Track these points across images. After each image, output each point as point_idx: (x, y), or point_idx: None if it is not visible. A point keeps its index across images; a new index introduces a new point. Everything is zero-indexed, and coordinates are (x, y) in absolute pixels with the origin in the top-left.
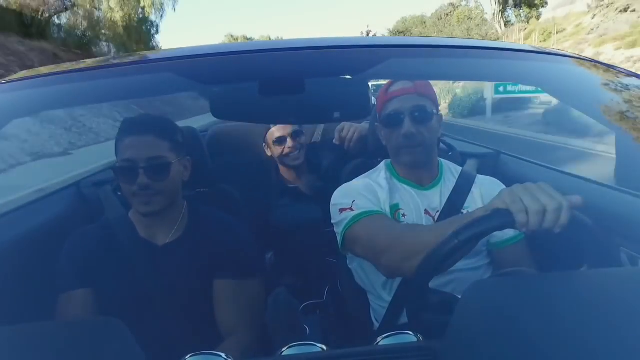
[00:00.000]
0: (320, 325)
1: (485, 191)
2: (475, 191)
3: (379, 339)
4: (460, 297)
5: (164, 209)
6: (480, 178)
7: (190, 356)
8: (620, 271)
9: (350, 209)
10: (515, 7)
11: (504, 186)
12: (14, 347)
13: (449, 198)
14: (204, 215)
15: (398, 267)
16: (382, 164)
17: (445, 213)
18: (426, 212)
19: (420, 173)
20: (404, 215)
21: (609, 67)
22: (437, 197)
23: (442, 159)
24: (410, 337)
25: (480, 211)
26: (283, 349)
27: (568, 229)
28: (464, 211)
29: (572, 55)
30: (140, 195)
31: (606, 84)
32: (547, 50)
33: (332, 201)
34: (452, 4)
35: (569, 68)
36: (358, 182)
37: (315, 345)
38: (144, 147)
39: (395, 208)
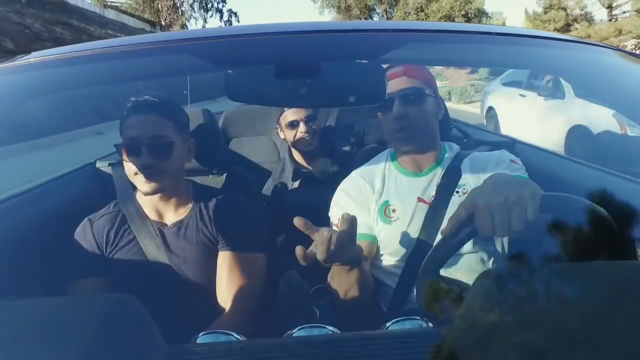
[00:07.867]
0: (330, 309)
1: (475, 169)
2: (466, 170)
3: (387, 324)
4: (470, 284)
5: (165, 189)
6: (474, 155)
7: (202, 334)
8: (636, 264)
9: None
10: None
11: (492, 161)
12: (31, 321)
13: (440, 182)
14: (209, 195)
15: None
16: (387, 150)
17: (438, 198)
18: (420, 199)
19: (417, 157)
20: (394, 210)
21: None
22: (433, 182)
23: (447, 142)
24: (419, 322)
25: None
26: (293, 331)
27: (582, 220)
28: (459, 190)
29: (593, 43)
30: (142, 174)
31: (631, 73)
32: (569, 38)
33: (333, 198)
34: None
35: (590, 56)
36: (353, 182)
37: (325, 328)
38: (147, 126)
39: (385, 205)
